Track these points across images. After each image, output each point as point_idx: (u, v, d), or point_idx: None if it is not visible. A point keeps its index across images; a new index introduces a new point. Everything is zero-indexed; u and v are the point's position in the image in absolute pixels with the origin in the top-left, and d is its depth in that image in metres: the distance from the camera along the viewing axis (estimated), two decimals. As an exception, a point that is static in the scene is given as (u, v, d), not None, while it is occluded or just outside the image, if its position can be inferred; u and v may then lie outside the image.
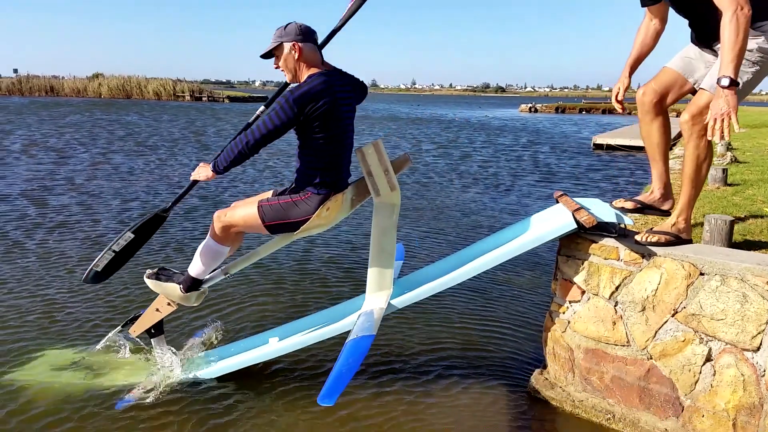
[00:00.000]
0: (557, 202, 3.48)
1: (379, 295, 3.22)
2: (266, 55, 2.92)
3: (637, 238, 2.97)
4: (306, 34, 2.85)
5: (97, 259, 3.24)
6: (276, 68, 2.90)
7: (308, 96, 2.71)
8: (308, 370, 3.63)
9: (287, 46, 2.83)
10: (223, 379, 3.46)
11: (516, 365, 3.76)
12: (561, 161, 15.26)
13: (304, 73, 2.86)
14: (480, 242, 3.49)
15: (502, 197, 9.89)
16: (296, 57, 2.83)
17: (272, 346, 3.41)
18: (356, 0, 3.31)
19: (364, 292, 3.30)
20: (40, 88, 52.49)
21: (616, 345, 3.02)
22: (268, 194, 3.19)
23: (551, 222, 3.16)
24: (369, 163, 2.94)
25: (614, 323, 3.01)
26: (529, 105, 55.27)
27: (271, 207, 3.00)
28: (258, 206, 3.03)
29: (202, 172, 3.01)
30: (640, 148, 17.78)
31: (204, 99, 51.49)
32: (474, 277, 3.16)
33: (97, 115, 28.42)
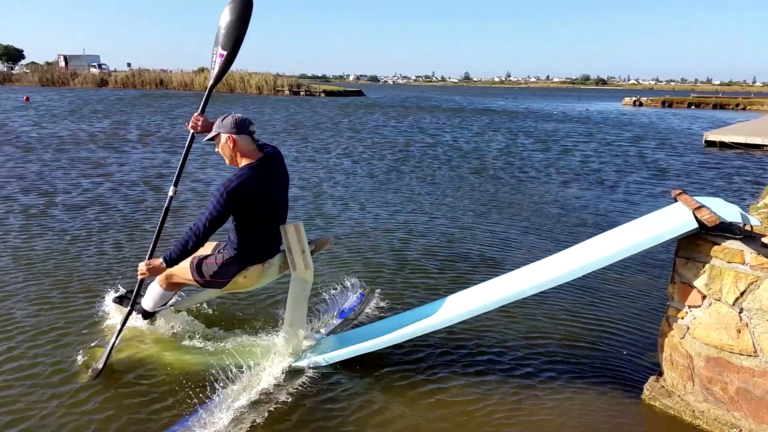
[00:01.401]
0: (675, 200, 3.30)
1: (280, 360, 3.42)
2: (210, 139, 3.28)
3: (765, 240, 2.76)
4: (240, 127, 3.17)
5: (104, 360, 3.38)
6: (216, 151, 3.29)
7: (237, 189, 3.06)
8: (409, 362, 3.66)
9: (224, 137, 3.18)
10: (322, 366, 3.52)
11: (629, 369, 3.60)
12: (671, 158, 14.41)
13: (240, 161, 3.21)
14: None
15: (608, 194, 9.49)
16: (231, 147, 3.18)
17: (384, 337, 3.41)
18: (224, 63, 3.49)
19: (462, 287, 3.29)
20: (150, 82, 56.12)
21: (742, 354, 2.81)
22: (211, 246, 3.51)
23: (669, 221, 2.99)
24: (289, 241, 3.31)
25: (739, 331, 2.81)
26: (634, 98, 52.49)
27: (200, 264, 3.37)
28: (191, 262, 3.38)
29: (153, 267, 3.25)
30: (758, 146, 16.52)
31: (302, 93, 52.97)
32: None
33: (204, 107, 29.93)
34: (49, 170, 10.23)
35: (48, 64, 69.53)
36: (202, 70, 57.80)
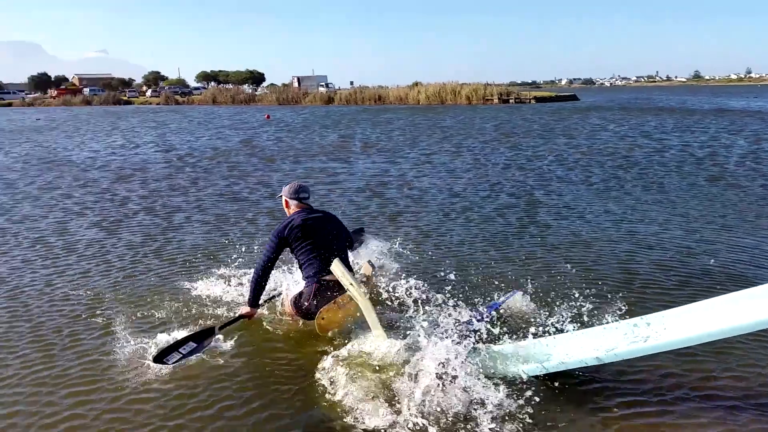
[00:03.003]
0: None
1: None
2: (280, 196, 4.62)
3: None
4: (294, 193, 4.49)
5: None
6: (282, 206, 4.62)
7: (281, 229, 4.28)
8: (629, 387, 3.40)
9: (283, 198, 4.56)
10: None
11: None
12: None
13: (289, 214, 4.49)
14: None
15: None
16: (285, 205, 4.57)
17: (594, 352, 3.13)
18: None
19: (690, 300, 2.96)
20: (370, 98, 60.14)
21: None
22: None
23: None
24: (339, 279, 3.74)
25: None
26: None
27: (294, 299, 4.25)
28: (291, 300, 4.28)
29: (243, 310, 4.29)
30: None
31: (511, 101, 52.43)
32: None
33: (418, 120, 31.20)
34: (288, 179, 11.52)
35: (284, 85, 78.66)
36: (416, 84, 60.37)
